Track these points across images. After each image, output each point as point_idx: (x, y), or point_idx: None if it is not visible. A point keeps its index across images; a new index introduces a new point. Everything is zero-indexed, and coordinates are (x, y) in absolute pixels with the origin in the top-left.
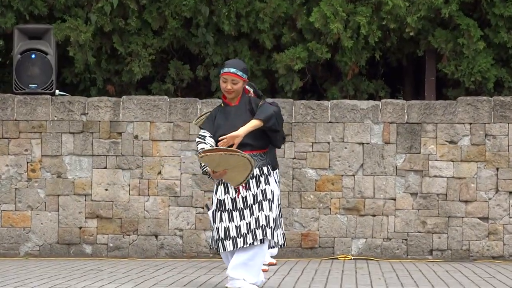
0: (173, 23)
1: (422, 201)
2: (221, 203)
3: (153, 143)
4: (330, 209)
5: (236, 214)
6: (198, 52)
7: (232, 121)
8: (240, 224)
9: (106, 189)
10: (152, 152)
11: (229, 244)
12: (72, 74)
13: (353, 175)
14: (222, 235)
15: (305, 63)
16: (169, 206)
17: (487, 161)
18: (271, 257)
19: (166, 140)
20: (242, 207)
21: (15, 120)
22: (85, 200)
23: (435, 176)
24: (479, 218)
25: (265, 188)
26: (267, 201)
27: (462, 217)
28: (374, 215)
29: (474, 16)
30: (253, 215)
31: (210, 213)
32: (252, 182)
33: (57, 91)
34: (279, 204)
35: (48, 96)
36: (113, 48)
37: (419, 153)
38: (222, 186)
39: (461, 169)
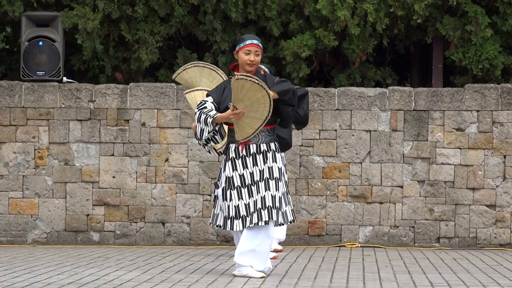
0: (180, 10)
1: (430, 188)
2: (229, 180)
3: (161, 131)
4: (337, 196)
5: (245, 191)
6: (206, 39)
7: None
8: (249, 202)
9: (114, 177)
10: (160, 139)
11: (238, 223)
12: (80, 61)
13: (360, 163)
14: (232, 213)
15: (313, 51)
16: (176, 193)
17: (494, 148)
18: (278, 243)
19: (173, 128)
20: (250, 183)
21: (23, 107)
22: (93, 188)
23: (443, 164)
24: (486, 205)
25: (272, 166)
26: (274, 180)
27: (470, 205)
28: (381, 203)
29: (482, 3)
30: (259, 193)
31: (219, 191)
32: (259, 157)
33: (64, 78)
34: (285, 181)
35: (56, 83)
36: (121, 35)
37: (427, 140)
38: (230, 162)
39: (469, 156)
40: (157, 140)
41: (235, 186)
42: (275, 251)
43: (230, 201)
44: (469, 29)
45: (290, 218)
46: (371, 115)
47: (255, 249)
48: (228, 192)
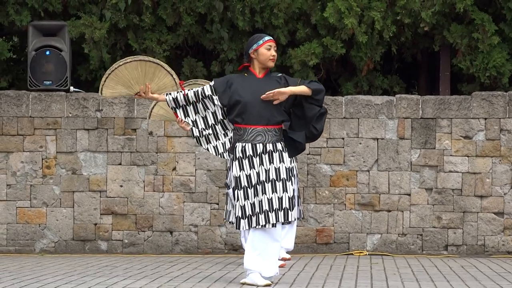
0: (188, 19)
1: (437, 196)
2: (237, 180)
3: (168, 139)
4: (345, 204)
5: (251, 191)
6: (213, 48)
7: (259, 91)
8: (254, 201)
9: (121, 186)
10: (167, 148)
11: (244, 223)
12: (87, 71)
13: (368, 171)
14: (239, 213)
15: (320, 59)
16: (184, 202)
17: (502, 156)
18: (286, 252)
19: (180, 136)
20: (257, 183)
21: (30, 116)
22: (100, 197)
23: (450, 171)
24: (494, 213)
25: (279, 167)
26: (281, 181)
27: (477, 212)
28: (389, 211)
29: (489, 11)
30: (265, 194)
31: (230, 191)
32: (265, 157)
33: (71, 88)
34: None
35: (63, 93)
36: (128, 44)
37: (434, 148)
38: (237, 162)
39: (476, 164)
40: (165, 149)
41: (242, 186)
42: (283, 259)
43: (237, 201)
44: (476, 37)
45: (295, 216)
46: (379, 123)
47: (262, 253)
48: (236, 192)
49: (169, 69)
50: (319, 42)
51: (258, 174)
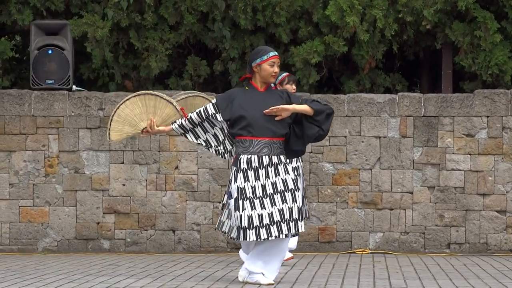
0: (190, 18)
1: (440, 194)
2: (241, 191)
3: (170, 138)
4: (347, 203)
5: (257, 202)
6: (215, 46)
7: (261, 105)
8: (262, 213)
9: (124, 184)
10: (169, 147)
11: (251, 233)
12: (89, 70)
13: (370, 169)
14: (245, 223)
15: (322, 57)
16: (186, 201)
17: (504, 154)
18: (289, 251)
19: None
20: (262, 196)
21: (32, 115)
22: (103, 196)
23: (452, 170)
24: (496, 211)
25: (285, 178)
26: (290, 191)
27: (480, 210)
28: (391, 209)
29: (491, 9)
30: (275, 205)
31: (232, 201)
32: (271, 170)
33: (74, 87)
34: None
35: (65, 92)
36: (130, 43)
37: (436, 146)
38: (241, 173)
39: (479, 162)
40: (167, 147)
41: (247, 196)
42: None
43: (242, 211)
44: (478, 35)
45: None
46: (381, 121)
47: (268, 261)
48: (240, 202)
49: (168, 98)
50: (321, 40)
51: (264, 186)
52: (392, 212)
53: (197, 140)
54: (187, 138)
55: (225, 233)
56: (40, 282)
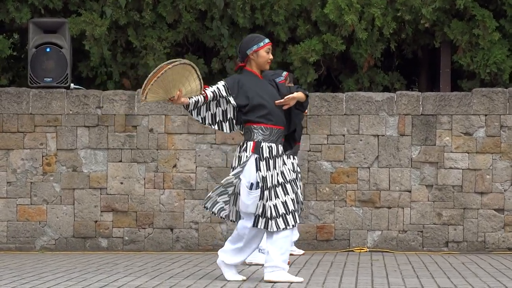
0: (188, 16)
1: (438, 193)
2: (264, 180)
3: (168, 136)
4: (346, 201)
5: (279, 190)
6: (213, 45)
7: (267, 90)
8: (285, 200)
9: (122, 183)
10: (167, 145)
11: (290, 218)
12: (88, 68)
13: (368, 167)
14: (282, 210)
15: (320, 55)
16: (185, 199)
17: (502, 152)
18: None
19: (181, 133)
20: (281, 183)
21: (30, 114)
22: (101, 194)
23: (451, 168)
24: (494, 209)
25: (282, 170)
26: (289, 183)
27: (478, 209)
28: (389, 207)
29: (489, 7)
30: (288, 194)
31: (258, 191)
32: (282, 159)
33: (72, 85)
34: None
35: (63, 90)
36: (128, 41)
37: (434, 145)
38: (264, 162)
39: (477, 160)
40: (165, 146)
41: (269, 186)
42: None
43: (267, 201)
44: (477, 33)
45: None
46: (379, 119)
47: (282, 252)
48: (266, 192)
49: (199, 73)
50: (319, 38)
51: (279, 174)
52: (390, 211)
53: (196, 116)
54: (191, 114)
55: (206, 208)
56: (38, 281)
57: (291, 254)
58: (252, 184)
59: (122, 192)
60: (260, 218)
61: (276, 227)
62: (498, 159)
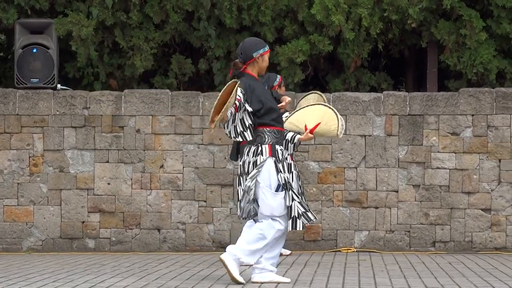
0: (175, 16)
1: (425, 193)
2: (286, 180)
3: (155, 137)
4: (333, 201)
5: (296, 191)
6: (200, 45)
7: (269, 93)
8: (301, 201)
9: (109, 183)
10: (154, 145)
11: (299, 223)
12: (75, 68)
13: (356, 168)
14: (295, 213)
15: (307, 56)
16: (172, 199)
17: (489, 152)
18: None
19: (168, 134)
20: (292, 185)
21: (17, 114)
22: (88, 195)
23: (438, 168)
24: (481, 209)
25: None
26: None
27: (465, 209)
28: (376, 207)
29: (476, 7)
30: (297, 198)
31: (283, 193)
32: (286, 163)
33: (58, 86)
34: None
35: (50, 91)
36: (115, 42)
37: (421, 145)
38: (280, 164)
39: (464, 160)
40: (152, 146)
41: (289, 187)
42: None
43: (291, 202)
44: (464, 33)
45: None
46: (366, 120)
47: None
48: (290, 192)
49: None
50: (306, 39)
51: (290, 176)
52: (378, 211)
53: (226, 129)
54: (225, 128)
55: (244, 218)
56: (25, 282)
57: (281, 255)
58: (278, 185)
59: (109, 193)
60: (287, 219)
61: (303, 225)
62: (485, 159)
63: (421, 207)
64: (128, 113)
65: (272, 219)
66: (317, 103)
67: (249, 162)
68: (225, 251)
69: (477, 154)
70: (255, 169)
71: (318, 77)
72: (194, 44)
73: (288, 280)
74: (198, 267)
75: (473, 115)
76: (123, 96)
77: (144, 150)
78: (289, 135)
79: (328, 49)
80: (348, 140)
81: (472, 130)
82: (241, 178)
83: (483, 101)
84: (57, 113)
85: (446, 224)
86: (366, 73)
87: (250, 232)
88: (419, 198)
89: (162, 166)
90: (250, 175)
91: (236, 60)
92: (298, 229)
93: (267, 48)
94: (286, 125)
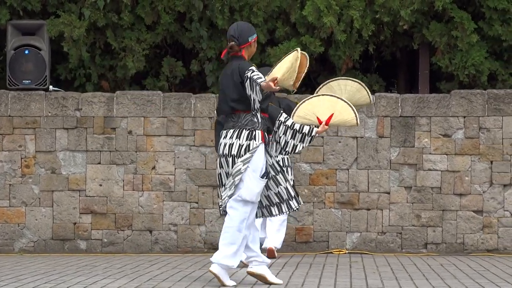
0: (167, 18)
1: (417, 194)
2: (273, 167)
3: (147, 138)
4: (325, 203)
5: (279, 177)
6: (192, 47)
7: None
8: (286, 186)
9: (100, 185)
10: (146, 147)
11: (294, 203)
12: (67, 70)
13: (347, 169)
14: (286, 195)
15: None
16: (163, 201)
17: (481, 154)
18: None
19: (160, 135)
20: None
21: (9, 116)
22: (79, 196)
23: (429, 170)
24: (473, 211)
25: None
26: (280, 173)
27: (457, 211)
28: (368, 209)
29: (468, 9)
30: (281, 185)
31: (265, 181)
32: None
33: (50, 87)
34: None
35: (42, 92)
36: (107, 43)
37: (413, 146)
38: (268, 151)
39: (455, 162)
40: (144, 148)
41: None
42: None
43: (278, 187)
44: (455, 35)
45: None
46: None
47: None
48: (279, 176)
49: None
50: (298, 40)
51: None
52: (369, 212)
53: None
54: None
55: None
56: (17, 283)
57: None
58: (265, 172)
59: (101, 194)
60: (272, 206)
61: (287, 209)
62: (477, 161)
63: (413, 208)
64: (120, 115)
65: (244, 203)
66: (321, 94)
67: (241, 145)
68: (215, 251)
69: (469, 156)
70: (248, 153)
71: (309, 78)
72: (186, 45)
73: (280, 281)
74: (190, 268)
75: (465, 117)
76: (115, 98)
77: (136, 152)
78: (305, 129)
79: (320, 50)
80: (340, 142)
81: (464, 131)
82: (228, 160)
83: (474, 103)
84: (49, 114)
85: (438, 226)
86: (357, 75)
87: (224, 235)
88: (411, 199)
89: (154, 168)
90: (242, 158)
91: (232, 43)
92: (294, 209)
93: (255, 35)
94: (295, 119)
